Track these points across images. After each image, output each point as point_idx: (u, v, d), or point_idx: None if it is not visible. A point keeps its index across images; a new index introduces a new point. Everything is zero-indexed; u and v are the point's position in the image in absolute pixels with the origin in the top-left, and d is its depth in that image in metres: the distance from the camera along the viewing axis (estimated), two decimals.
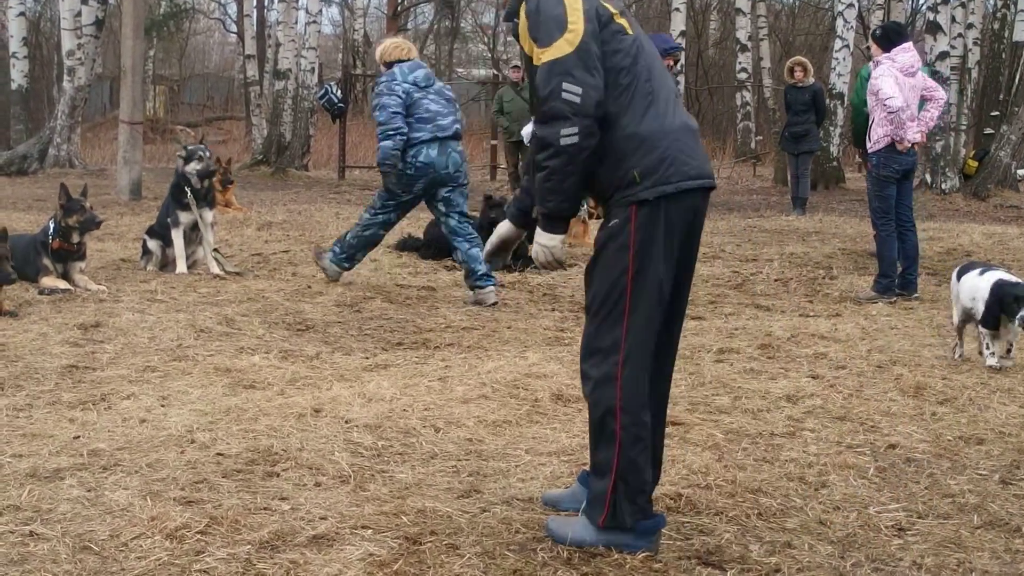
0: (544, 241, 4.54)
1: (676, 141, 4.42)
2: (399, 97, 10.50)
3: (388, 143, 10.45)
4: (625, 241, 4.39)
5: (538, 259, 4.60)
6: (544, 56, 4.34)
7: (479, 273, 10.54)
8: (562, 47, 4.30)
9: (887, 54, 10.79)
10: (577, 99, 4.26)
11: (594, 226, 15.23)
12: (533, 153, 4.46)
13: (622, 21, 4.47)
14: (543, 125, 4.34)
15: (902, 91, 10.59)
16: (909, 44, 11.01)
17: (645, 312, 4.42)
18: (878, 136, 10.71)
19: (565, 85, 4.26)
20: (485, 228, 12.63)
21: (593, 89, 4.29)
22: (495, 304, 10.39)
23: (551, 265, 4.60)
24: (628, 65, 4.41)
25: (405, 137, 10.47)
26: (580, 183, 4.39)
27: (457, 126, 10.80)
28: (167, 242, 11.53)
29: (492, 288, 10.54)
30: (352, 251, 11.05)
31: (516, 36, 4.62)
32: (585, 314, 4.62)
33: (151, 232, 11.78)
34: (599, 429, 4.50)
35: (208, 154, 11.75)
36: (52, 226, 10.35)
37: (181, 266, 11.37)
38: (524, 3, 4.49)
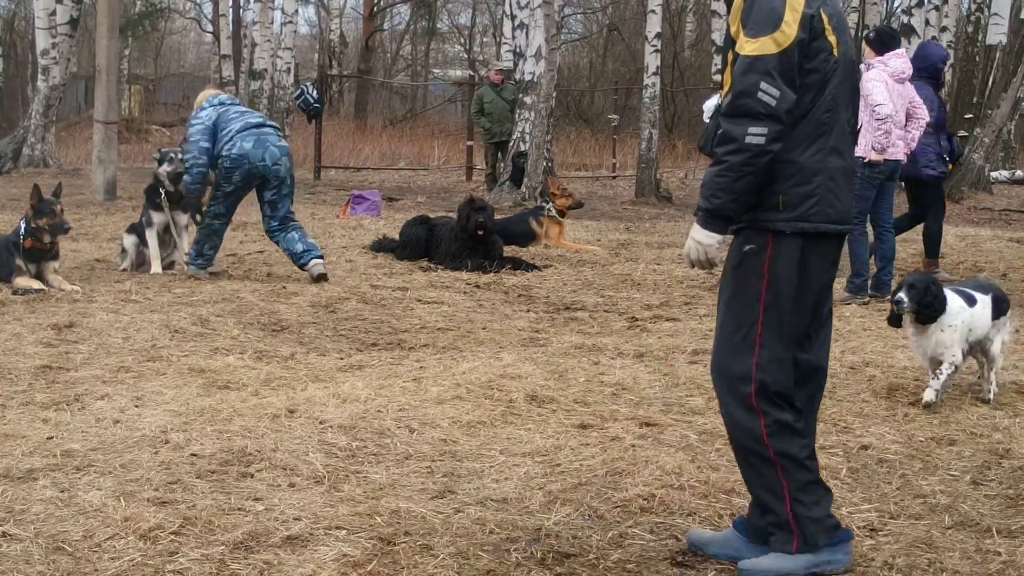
0: (700, 238, 4.38)
1: (830, 180, 4.31)
2: (203, 122, 11.16)
3: (187, 178, 11.20)
4: (759, 269, 4.32)
5: (689, 255, 4.46)
6: (748, 48, 4.19)
7: (298, 252, 11.23)
8: (768, 45, 4.16)
9: (880, 58, 10.81)
10: (773, 102, 4.14)
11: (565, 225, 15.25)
12: (714, 144, 4.31)
13: (831, 38, 4.28)
14: (731, 119, 4.21)
15: (891, 98, 10.63)
16: (902, 50, 11.06)
17: (779, 341, 4.34)
18: (865, 141, 10.72)
19: (763, 84, 4.14)
20: (469, 231, 12.67)
21: (789, 97, 4.17)
22: (324, 275, 11.10)
23: (702, 264, 4.46)
24: (817, 88, 4.27)
25: (205, 170, 11.15)
26: (752, 186, 4.24)
27: (269, 123, 11.66)
28: (143, 241, 11.57)
29: (317, 260, 11.23)
30: (199, 248, 11.42)
31: (727, 5, 4.45)
32: (717, 332, 4.53)
33: (131, 229, 11.83)
34: (752, 456, 4.39)
35: (181, 156, 11.70)
36: (23, 226, 10.32)
37: (156, 266, 11.42)
38: None
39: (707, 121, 5.49)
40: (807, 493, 4.39)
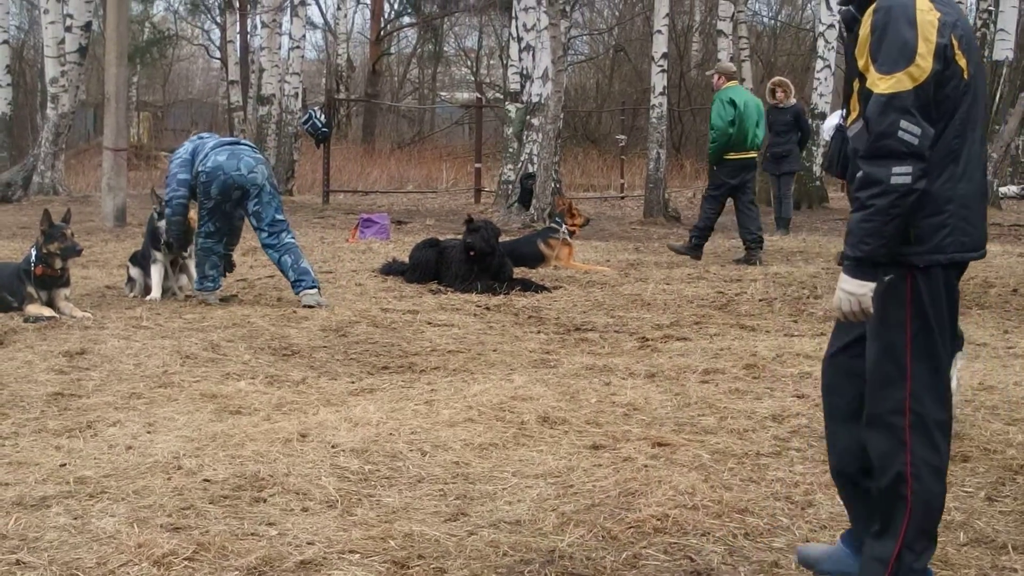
0: (852, 288, 4.16)
1: (962, 208, 4.15)
2: (182, 156, 11.50)
3: (167, 210, 11.36)
4: (902, 297, 4.16)
5: (841, 307, 4.24)
6: (882, 85, 4.04)
7: (291, 280, 11.34)
8: (903, 81, 4.01)
9: None
10: (915, 140, 3.99)
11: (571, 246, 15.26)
12: (856, 187, 4.12)
13: (961, 62, 4.14)
14: (871, 161, 4.05)
15: None
16: None
17: (931, 370, 4.18)
18: None
19: (903, 123, 3.98)
20: (464, 251, 12.70)
21: (929, 132, 4.02)
22: (317, 305, 11.02)
23: (855, 315, 4.20)
24: (948, 115, 4.12)
25: (184, 201, 11.36)
26: (901, 228, 4.08)
27: (244, 141, 12.06)
28: (148, 272, 11.63)
29: (308, 291, 11.23)
30: (201, 272, 11.54)
31: (847, 28, 4.34)
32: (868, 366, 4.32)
33: (134, 260, 11.88)
34: (888, 492, 4.23)
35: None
36: (34, 253, 10.34)
37: (155, 292, 11.52)
38: (873, 12, 4.16)
39: (827, 139, 5.37)
40: (921, 541, 4.24)
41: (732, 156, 15.68)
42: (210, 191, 11.20)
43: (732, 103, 15.58)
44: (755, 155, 16.12)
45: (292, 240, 11.48)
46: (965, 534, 5.09)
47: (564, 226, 15.10)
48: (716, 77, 16.47)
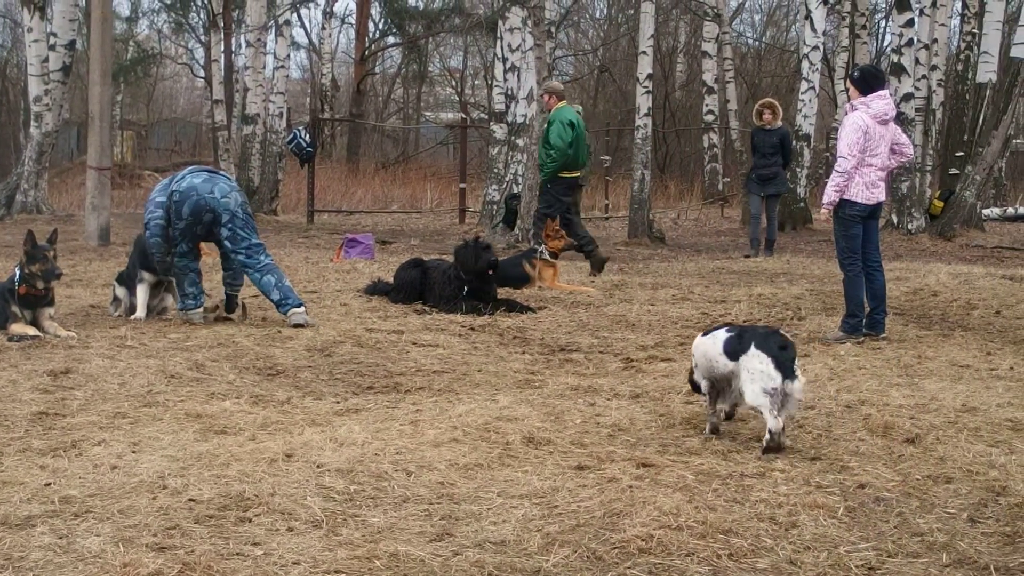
0: None
1: None
2: (163, 184, 11.68)
3: (147, 232, 11.42)
4: None
5: None
6: None
7: (275, 300, 11.38)
8: None
9: (863, 99, 10.77)
10: None
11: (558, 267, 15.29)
12: None
13: None
14: None
15: (871, 139, 10.65)
16: (886, 92, 11.02)
17: None
18: (854, 183, 10.75)
19: None
20: (478, 270, 12.72)
21: None
22: (305, 324, 11.07)
23: None
24: None
25: (162, 222, 11.32)
26: None
27: (222, 172, 12.17)
28: (133, 291, 11.64)
29: (295, 310, 11.25)
30: (181, 291, 11.64)
31: None
32: None
33: (120, 279, 11.89)
34: None
35: None
36: (18, 273, 10.34)
37: (140, 312, 11.54)
38: None
39: None
40: None
41: (565, 175, 16.59)
42: (182, 211, 11.26)
43: (572, 125, 16.43)
44: (581, 174, 17.49)
45: (271, 261, 11.52)
46: (948, 555, 5.10)
47: (543, 246, 15.14)
48: (547, 97, 17.30)
